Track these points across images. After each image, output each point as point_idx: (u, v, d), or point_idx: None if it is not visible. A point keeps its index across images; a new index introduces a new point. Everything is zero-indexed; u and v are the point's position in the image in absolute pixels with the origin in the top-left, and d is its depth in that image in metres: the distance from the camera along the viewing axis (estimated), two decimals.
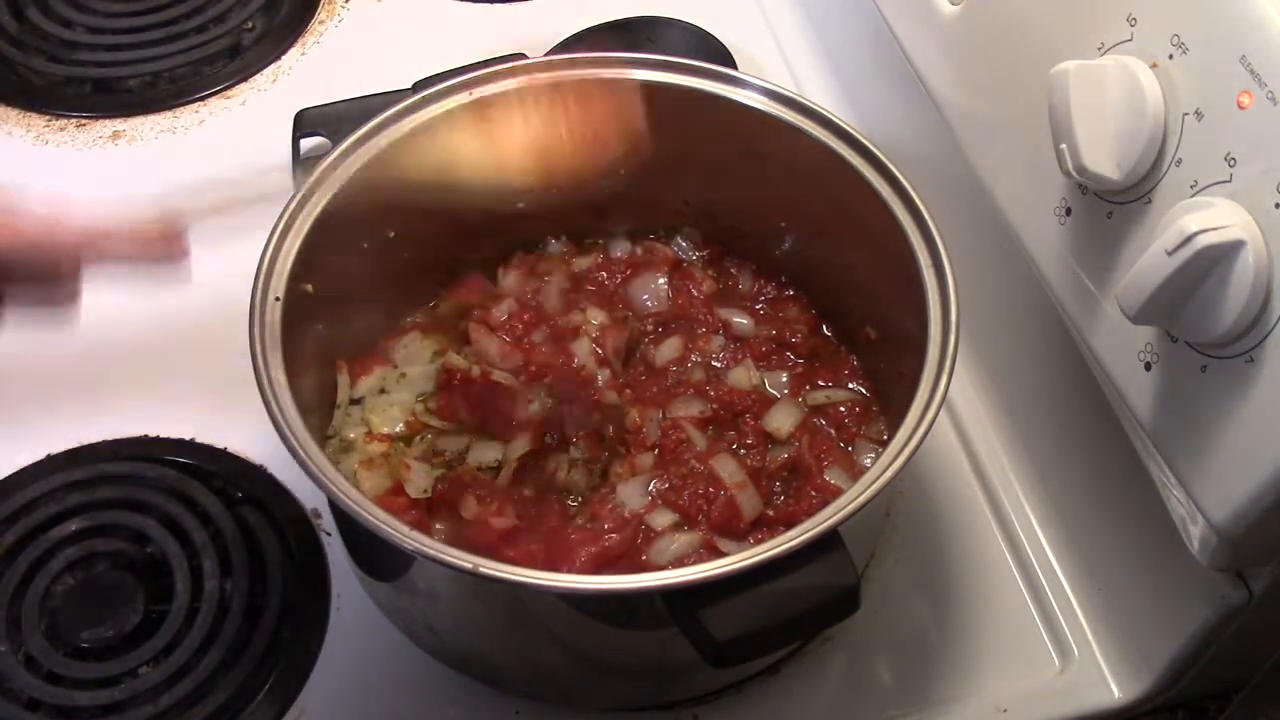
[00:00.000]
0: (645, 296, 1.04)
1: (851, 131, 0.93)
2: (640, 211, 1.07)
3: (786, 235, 1.04)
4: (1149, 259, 0.70)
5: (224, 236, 1.16)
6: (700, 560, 0.86)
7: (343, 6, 1.37)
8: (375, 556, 0.91)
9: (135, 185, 1.20)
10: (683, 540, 0.89)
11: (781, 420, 0.97)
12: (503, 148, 1.00)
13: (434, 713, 0.93)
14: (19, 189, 0.81)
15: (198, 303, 1.12)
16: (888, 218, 0.90)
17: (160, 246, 0.85)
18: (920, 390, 0.83)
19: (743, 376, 0.99)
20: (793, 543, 0.75)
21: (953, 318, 0.85)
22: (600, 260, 1.07)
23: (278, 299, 0.87)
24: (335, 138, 0.96)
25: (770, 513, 0.92)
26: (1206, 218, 0.68)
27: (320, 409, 0.96)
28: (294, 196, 0.90)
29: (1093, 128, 0.75)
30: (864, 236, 0.94)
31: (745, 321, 1.04)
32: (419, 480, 0.93)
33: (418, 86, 0.98)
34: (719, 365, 1.01)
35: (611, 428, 0.97)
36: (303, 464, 0.79)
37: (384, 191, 0.95)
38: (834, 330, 1.04)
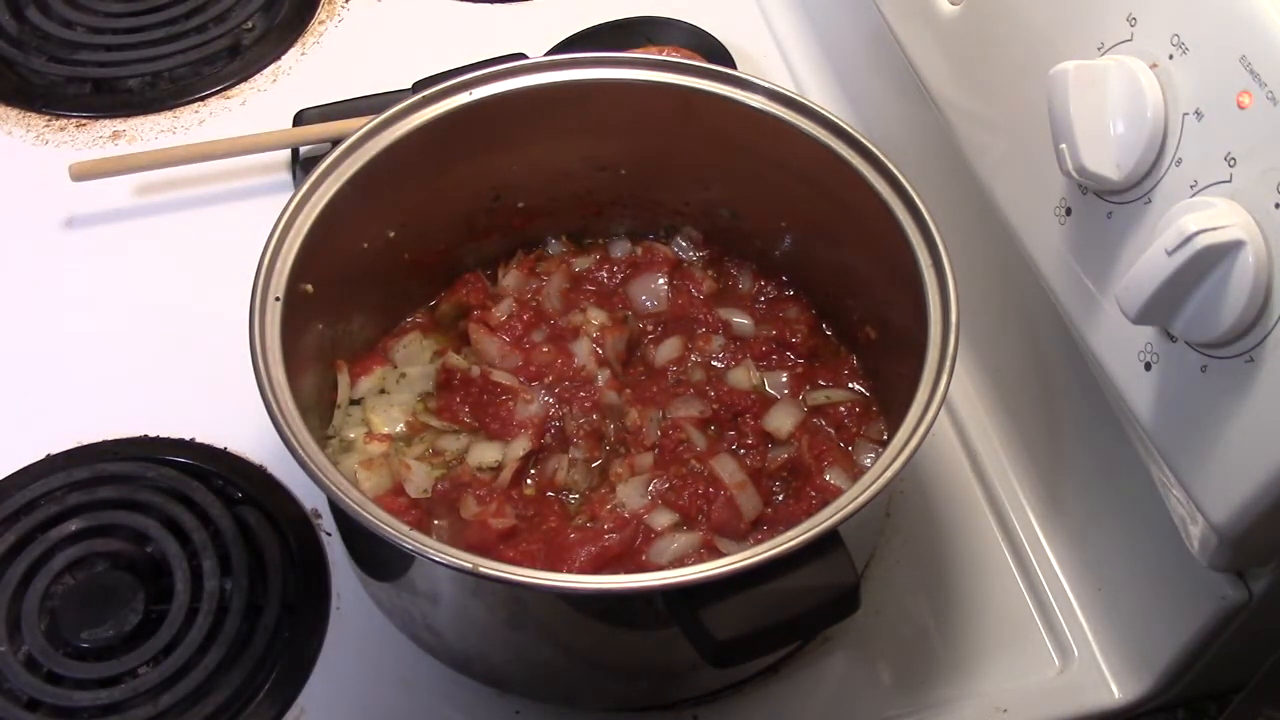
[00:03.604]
0: (645, 296, 1.04)
1: (851, 131, 0.93)
2: (640, 211, 1.07)
3: (786, 235, 1.04)
4: (1149, 259, 0.70)
5: (224, 236, 1.17)
6: (700, 560, 0.86)
7: (343, 6, 1.37)
8: (375, 556, 0.91)
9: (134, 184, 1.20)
10: (683, 540, 0.89)
11: (781, 420, 0.97)
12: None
13: (434, 713, 0.93)
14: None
15: (198, 303, 1.12)
16: (888, 218, 0.90)
17: None
18: (920, 390, 0.83)
19: (743, 376, 0.99)
20: (793, 543, 0.75)
21: (953, 318, 0.85)
22: (600, 260, 1.07)
23: (278, 299, 0.87)
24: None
25: (770, 512, 0.92)
26: (1206, 218, 0.68)
27: (320, 409, 0.96)
28: (294, 196, 0.90)
29: (1093, 128, 0.75)
30: (864, 236, 0.94)
31: (745, 321, 1.04)
32: (419, 480, 0.93)
33: (418, 86, 0.98)
34: (719, 365, 1.01)
35: (612, 428, 0.97)
36: (303, 464, 0.79)
37: (384, 191, 0.95)
38: (834, 330, 1.04)
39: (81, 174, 1.17)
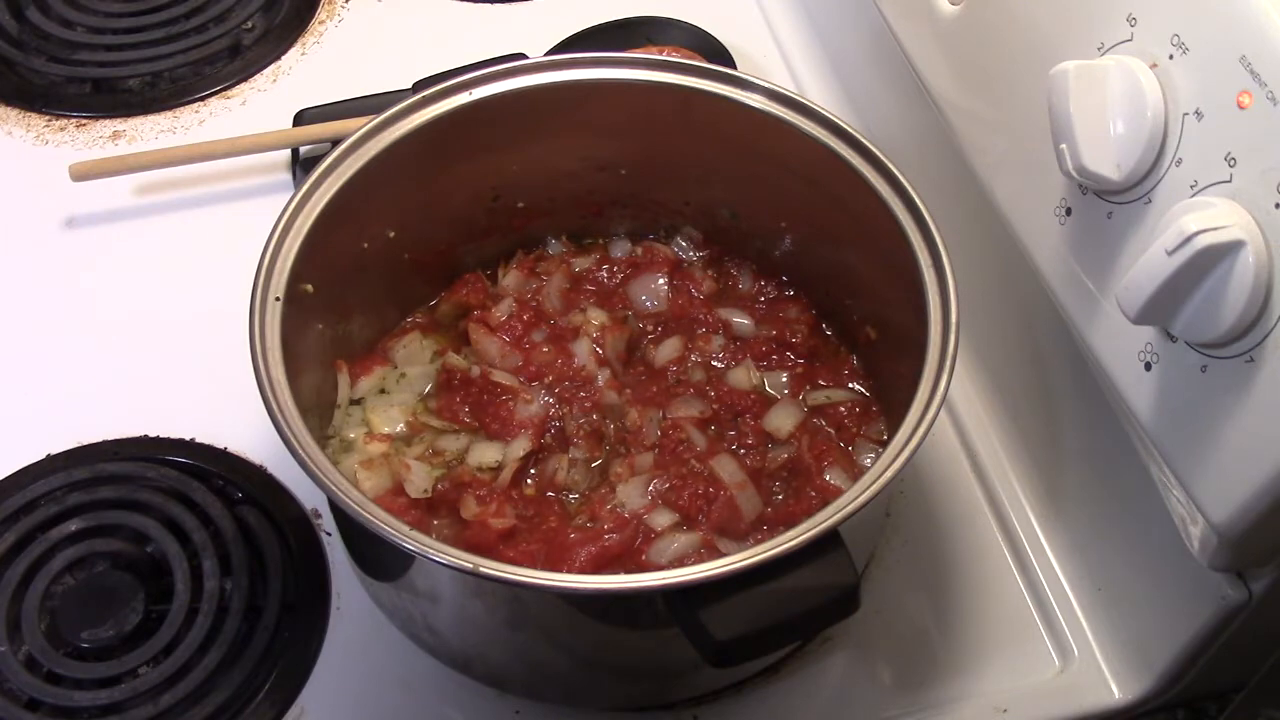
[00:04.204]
0: (645, 296, 1.04)
1: (851, 131, 0.93)
2: (640, 211, 1.07)
3: (786, 235, 1.04)
4: (1149, 259, 0.70)
5: (224, 236, 1.17)
6: (700, 560, 0.86)
7: (343, 6, 1.37)
8: (375, 556, 0.91)
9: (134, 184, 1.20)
10: (683, 540, 0.89)
11: (781, 420, 0.97)
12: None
13: (434, 713, 0.93)
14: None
15: (198, 303, 1.12)
16: (888, 218, 0.90)
17: None
18: (920, 390, 0.83)
19: (743, 376, 0.99)
20: (793, 543, 0.75)
21: (953, 318, 0.85)
22: (600, 260, 1.07)
23: (278, 299, 0.87)
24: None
25: (770, 512, 0.92)
26: (1206, 218, 0.68)
27: (320, 409, 0.96)
28: (294, 196, 0.90)
29: (1093, 128, 0.75)
30: (864, 236, 0.94)
31: (745, 321, 1.04)
32: (419, 480, 0.93)
33: (418, 86, 0.98)
34: (719, 365, 1.01)
35: (611, 428, 0.97)
36: (303, 464, 0.79)
37: (384, 191, 0.95)
38: (834, 330, 1.04)
39: (81, 174, 1.17)
